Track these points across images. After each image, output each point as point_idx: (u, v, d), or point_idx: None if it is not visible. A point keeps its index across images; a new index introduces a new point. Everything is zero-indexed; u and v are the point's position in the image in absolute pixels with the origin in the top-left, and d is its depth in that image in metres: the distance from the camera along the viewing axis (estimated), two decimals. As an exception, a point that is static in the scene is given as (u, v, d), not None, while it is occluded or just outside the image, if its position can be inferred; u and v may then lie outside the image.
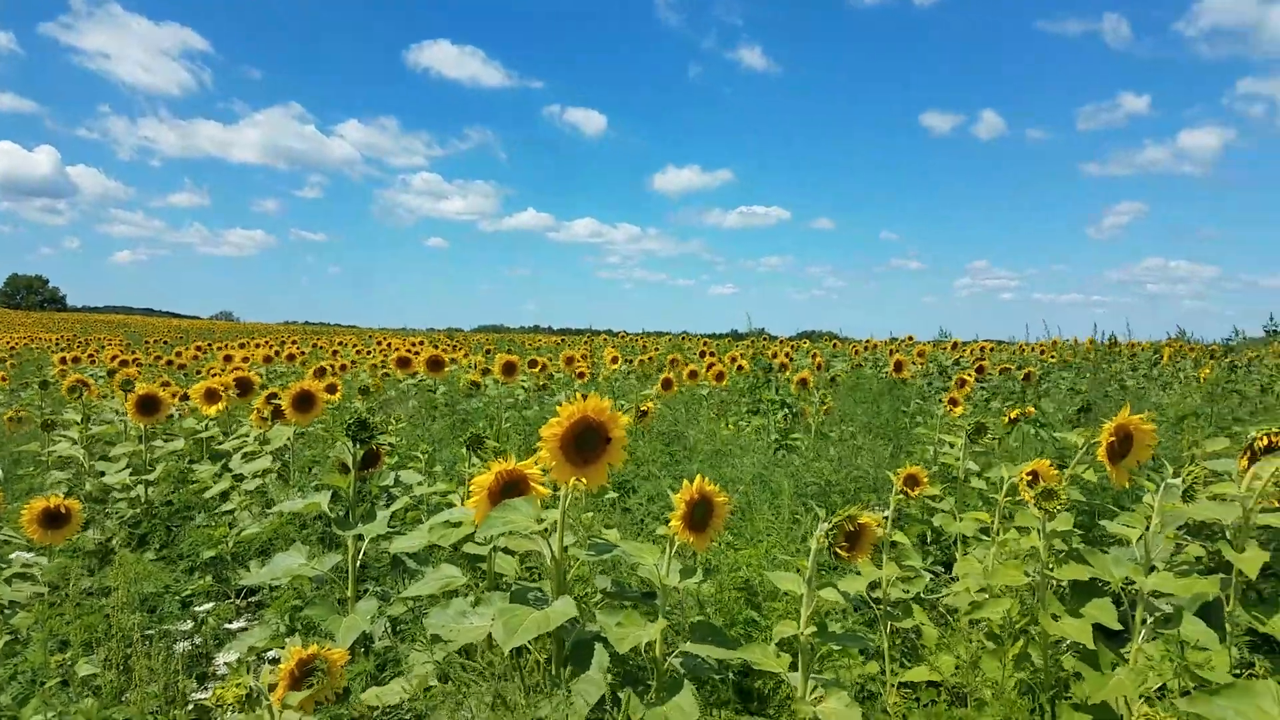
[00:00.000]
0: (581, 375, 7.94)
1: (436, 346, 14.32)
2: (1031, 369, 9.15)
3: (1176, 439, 4.25)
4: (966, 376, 8.08)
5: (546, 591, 2.22)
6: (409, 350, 10.25)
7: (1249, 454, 2.56)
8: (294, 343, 16.12)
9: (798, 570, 2.09)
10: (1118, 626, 2.41)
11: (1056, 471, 2.46)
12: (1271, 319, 6.46)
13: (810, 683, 2.08)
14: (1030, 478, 2.40)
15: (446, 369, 8.10)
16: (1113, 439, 2.51)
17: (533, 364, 8.10)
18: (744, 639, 2.52)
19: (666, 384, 7.74)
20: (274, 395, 4.09)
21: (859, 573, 2.71)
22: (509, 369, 6.76)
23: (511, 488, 2.14)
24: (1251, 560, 2.36)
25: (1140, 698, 2.17)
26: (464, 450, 3.12)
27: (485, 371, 7.97)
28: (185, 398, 5.45)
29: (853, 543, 1.99)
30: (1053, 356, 11.88)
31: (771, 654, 2.10)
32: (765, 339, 21.52)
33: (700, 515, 2.07)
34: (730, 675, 2.58)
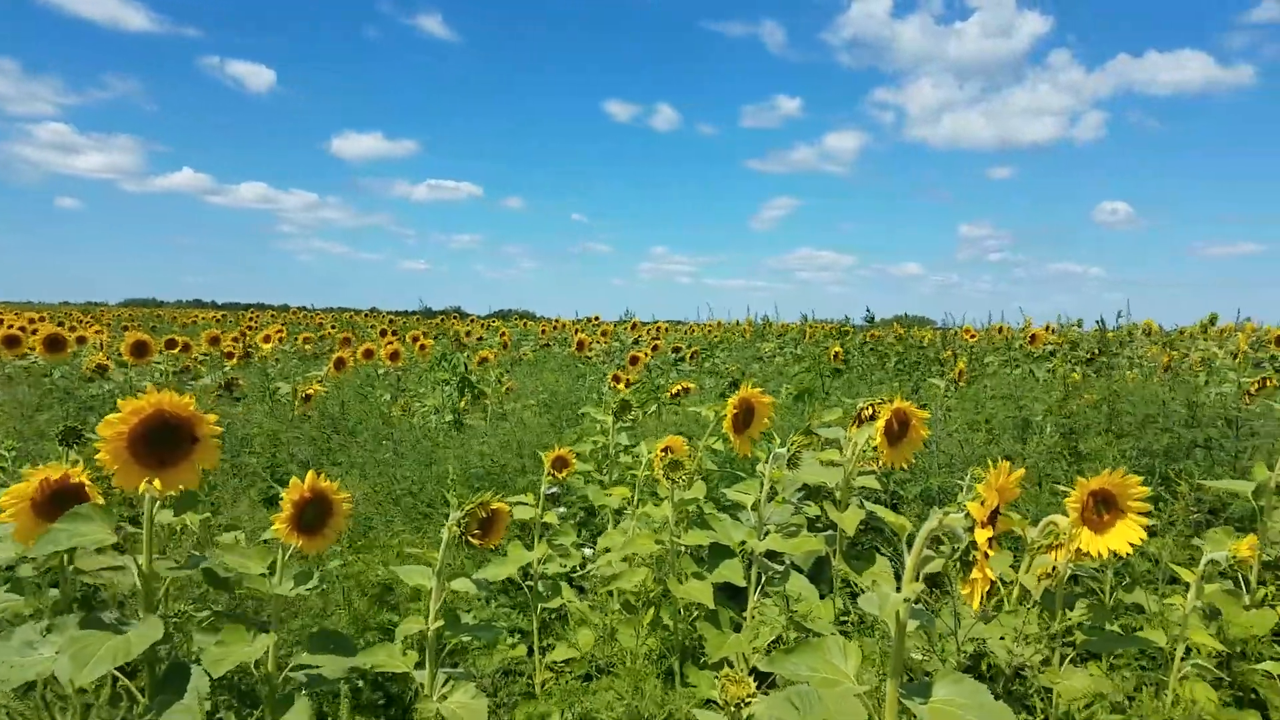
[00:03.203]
0: (231, 356, 7.15)
1: (62, 324, 12.24)
2: (697, 348, 9.90)
3: (804, 410, 4.76)
4: (640, 354, 8.52)
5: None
6: (21, 327, 8.58)
7: (857, 422, 2.88)
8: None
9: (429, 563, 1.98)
10: (745, 585, 2.61)
11: (686, 445, 2.59)
12: (868, 310, 7.70)
13: (441, 677, 1.99)
14: (664, 451, 2.50)
15: (70, 349, 6.89)
16: (736, 412, 2.69)
17: (171, 344, 7.13)
18: (380, 639, 2.37)
19: (339, 364, 7.23)
20: None
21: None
22: (139, 349, 5.89)
23: (68, 497, 1.78)
24: (849, 518, 2.66)
25: (754, 651, 2.35)
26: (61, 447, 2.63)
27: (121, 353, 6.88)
28: None
29: (486, 529, 1.93)
30: (718, 336, 12.99)
31: (397, 654, 1.98)
32: (456, 317, 21.18)
33: (313, 515, 1.89)
34: (373, 678, 2.42)
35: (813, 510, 2.96)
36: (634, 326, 14.80)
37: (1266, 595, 2.56)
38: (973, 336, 11.11)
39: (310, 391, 5.60)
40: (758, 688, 2.08)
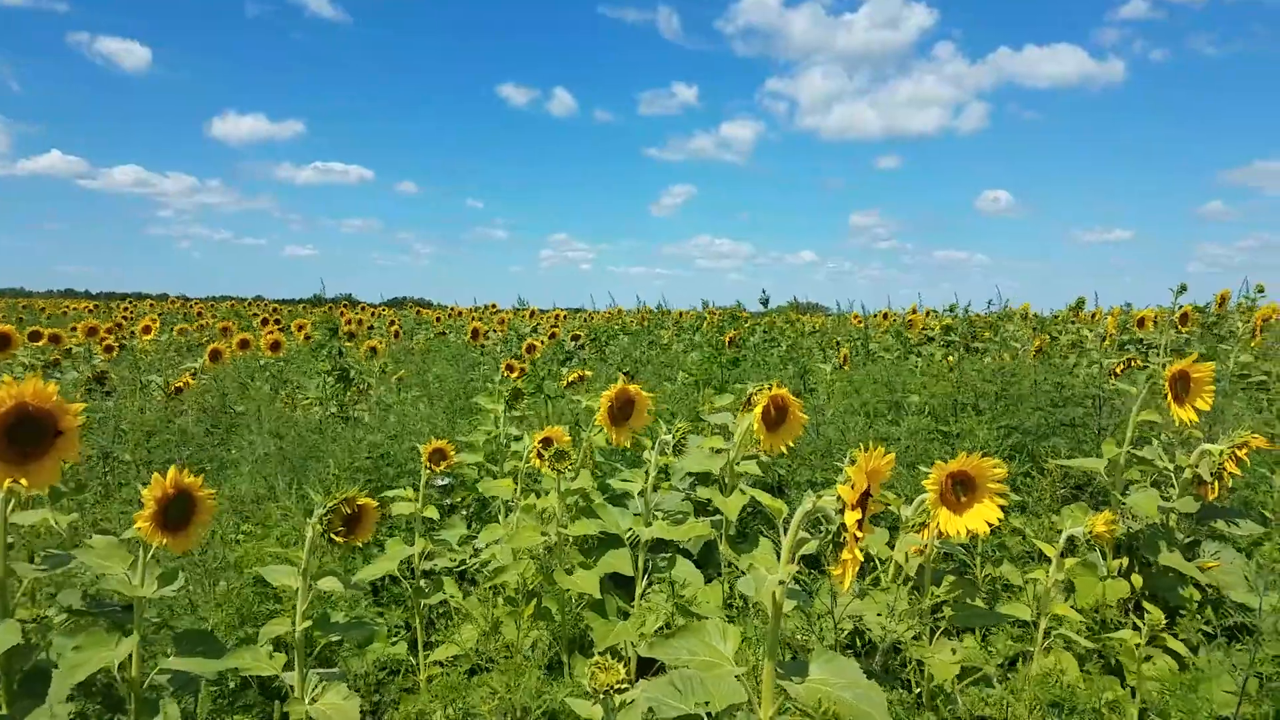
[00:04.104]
0: (110, 350, 6.68)
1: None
2: (595, 336, 9.88)
3: (698, 397, 4.79)
4: (536, 343, 8.43)
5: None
6: None
7: (747, 407, 2.90)
8: None
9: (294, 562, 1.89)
10: (634, 573, 2.60)
11: (569, 435, 2.56)
12: (764, 292, 7.84)
13: (314, 678, 1.91)
14: (543, 442, 2.47)
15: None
16: (612, 405, 2.67)
17: (34, 336, 6.62)
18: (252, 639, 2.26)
19: (215, 355, 6.86)
20: None
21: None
22: (1, 342, 5.45)
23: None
24: (732, 504, 2.69)
25: (642, 639, 2.35)
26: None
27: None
28: None
29: (352, 526, 1.85)
30: (617, 323, 12.98)
31: (264, 656, 1.89)
32: (348, 305, 20.45)
33: (178, 512, 1.78)
34: (253, 679, 2.31)
35: (704, 495, 2.98)
36: (532, 314, 14.63)
37: (1120, 566, 2.73)
38: (859, 322, 11.49)
39: (181, 384, 5.29)
40: (650, 674, 2.08)
